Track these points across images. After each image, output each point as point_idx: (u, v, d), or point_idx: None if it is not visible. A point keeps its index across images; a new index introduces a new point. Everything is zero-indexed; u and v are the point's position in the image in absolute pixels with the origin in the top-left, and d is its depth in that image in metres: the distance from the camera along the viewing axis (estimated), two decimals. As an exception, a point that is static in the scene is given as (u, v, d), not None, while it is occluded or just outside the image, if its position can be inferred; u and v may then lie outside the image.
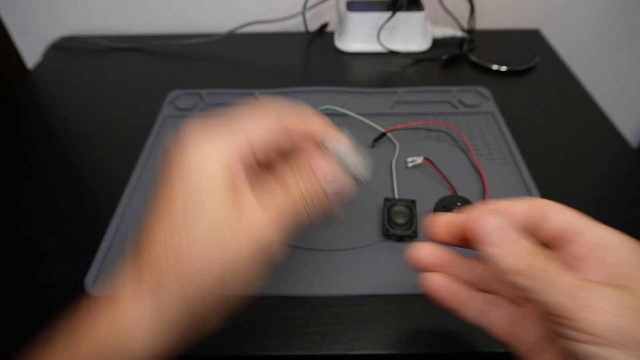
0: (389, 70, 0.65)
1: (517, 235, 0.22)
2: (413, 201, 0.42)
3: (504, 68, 0.64)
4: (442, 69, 0.66)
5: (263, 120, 0.25)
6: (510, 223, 0.22)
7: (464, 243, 0.25)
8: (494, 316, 0.26)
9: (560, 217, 0.23)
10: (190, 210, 0.22)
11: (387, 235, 0.40)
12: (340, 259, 0.40)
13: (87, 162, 0.52)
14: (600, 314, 0.19)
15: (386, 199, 0.42)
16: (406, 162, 0.48)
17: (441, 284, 0.26)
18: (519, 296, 0.25)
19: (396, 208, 0.41)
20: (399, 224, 0.41)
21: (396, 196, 0.44)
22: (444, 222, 0.26)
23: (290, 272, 0.39)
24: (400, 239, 0.40)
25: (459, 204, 0.41)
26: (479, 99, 0.57)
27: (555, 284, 0.20)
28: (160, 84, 0.62)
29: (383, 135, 0.51)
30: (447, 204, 0.41)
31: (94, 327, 0.23)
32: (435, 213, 0.40)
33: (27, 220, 0.45)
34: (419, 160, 0.47)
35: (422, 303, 0.37)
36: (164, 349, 0.23)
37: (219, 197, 0.23)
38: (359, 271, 0.39)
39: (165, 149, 0.25)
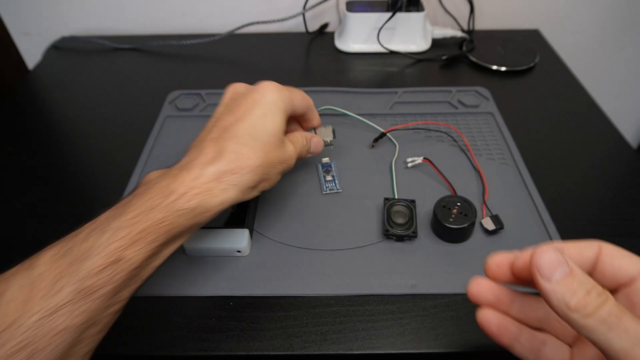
0: (389, 71, 0.65)
1: (571, 269, 0.21)
2: (413, 201, 0.42)
3: (503, 68, 0.64)
4: (441, 69, 0.66)
5: (301, 95, 0.40)
6: (567, 258, 0.22)
7: (520, 281, 0.26)
8: (547, 355, 0.26)
9: (617, 260, 0.23)
10: (259, 119, 0.35)
11: (387, 235, 0.40)
12: (340, 259, 0.40)
13: (87, 162, 0.52)
14: None
15: (386, 199, 0.42)
16: (406, 162, 0.48)
17: (495, 321, 0.26)
18: (574, 335, 0.26)
19: (396, 208, 0.42)
20: (399, 224, 0.41)
21: (396, 196, 0.44)
22: (499, 262, 0.26)
23: (290, 272, 0.39)
24: (400, 238, 0.40)
25: (458, 204, 0.41)
26: (478, 99, 0.57)
27: (617, 326, 0.19)
28: (160, 84, 0.62)
29: (383, 135, 0.51)
30: (446, 204, 0.41)
31: (176, 184, 0.30)
32: (437, 213, 0.40)
33: (27, 220, 0.45)
34: (419, 160, 0.47)
35: (422, 303, 0.37)
36: (228, 204, 0.32)
37: (277, 120, 0.36)
38: (359, 271, 0.39)
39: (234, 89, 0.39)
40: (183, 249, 0.40)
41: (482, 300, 0.27)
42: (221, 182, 0.31)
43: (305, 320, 0.36)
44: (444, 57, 0.66)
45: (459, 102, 0.57)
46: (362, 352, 0.34)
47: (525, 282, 0.25)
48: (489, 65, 0.65)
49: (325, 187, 0.46)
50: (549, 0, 0.75)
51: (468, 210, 0.40)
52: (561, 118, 0.56)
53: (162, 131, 0.54)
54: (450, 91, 0.59)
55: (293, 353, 0.34)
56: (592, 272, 0.24)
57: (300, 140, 0.40)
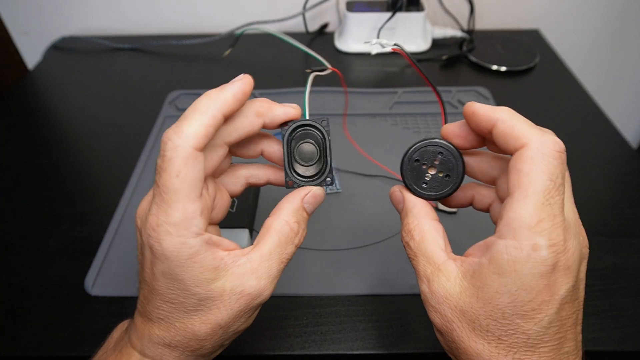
0: (389, 71, 0.65)
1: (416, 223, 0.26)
2: (324, 120, 0.28)
3: (503, 68, 0.64)
4: (442, 69, 0.66)
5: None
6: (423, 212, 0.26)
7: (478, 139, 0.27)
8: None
9: (508, 124, 0.24)
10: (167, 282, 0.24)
11: (292, 184, 0.28)
12: (340, 259, 0.40)
13: (87, 162, 0.52)
14: (439, 294, 0.24)
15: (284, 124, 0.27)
16: (369, 43, 0.34)
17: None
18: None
19: (303, 137, 0.28)
20: (306, 164, 0.28)
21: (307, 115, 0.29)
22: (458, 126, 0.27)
23: (290, 272, 0.39)
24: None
25: (440, 154, 0.27)
26: (478, 99, 0.57)
27: (421, 260, 0.25)
28: (160, 84, 0.62)
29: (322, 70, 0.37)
30: (422, 156, 0.27)
31: None
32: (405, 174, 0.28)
33: (27, 220, 0.45)
34: (389, 48, 0.31)
35: (422, 303, 0.37)
36: None
37: (194, 267, 0.23)
38: (358, 271, 0.39)
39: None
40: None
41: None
42: None
43: (305, 320, 0.36)
44: (444, 57, 0.66)
45: (459, 102, 0.57)
46: (362, 352, 0.34)
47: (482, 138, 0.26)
48: (489, 65, 0.65)
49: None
50: (549, 0, 0.75)
51: (452, 167, 0.27)
52: (561, 118, 0.56)
53: (162, 131, 0.54)
54: (451, 91, 0.59)
55: (293, 353, 0.34)
56: (489, 135, 0.24)
57: (279, 233, 0.26)
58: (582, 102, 0.59)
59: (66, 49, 0.72)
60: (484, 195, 0.27)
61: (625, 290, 0.38)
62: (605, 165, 0.49)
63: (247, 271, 0.24)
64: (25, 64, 0.80)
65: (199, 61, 0.68)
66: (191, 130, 0.22)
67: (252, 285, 0.24)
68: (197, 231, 0.23)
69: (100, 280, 0.39)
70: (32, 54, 0.78)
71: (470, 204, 0.28)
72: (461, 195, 0.28)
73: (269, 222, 0.26)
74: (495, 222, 0.26)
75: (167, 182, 0.22)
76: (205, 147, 0.23)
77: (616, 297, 0.37)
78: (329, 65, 0.33)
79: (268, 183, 0.29)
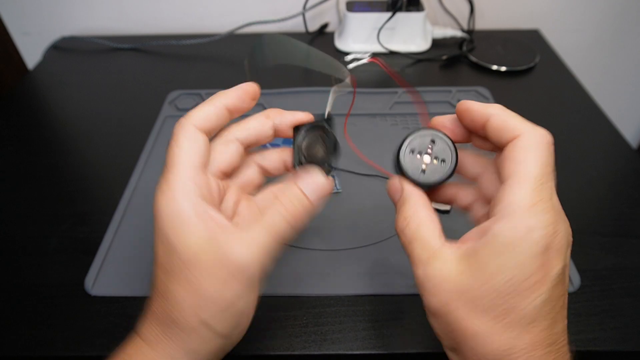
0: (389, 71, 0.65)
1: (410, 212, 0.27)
2: (328, 119, 0.31)
3: (503, 68, 0.64)
4: (441, 69, 0.66)
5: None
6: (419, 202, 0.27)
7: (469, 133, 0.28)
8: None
9: (502, 118, 0.25)
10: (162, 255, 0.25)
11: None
12: (340, 259, 0.40)
13: (87, 162, 0.52)
14: (436, 277, 0.24)
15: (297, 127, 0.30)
16: (348, 61, 0.40)
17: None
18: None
19: (310, 135, 0.31)
20: (315, 158, 0.30)
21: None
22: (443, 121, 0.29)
23: (290, 272, 0.39)
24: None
25: (432, 141, 0.29)
26: (478, 99, 0.57)
27: (417, 246, 0.26)
28: (160, 84, 0.62)
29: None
30: (415, 147, 0.29)
31: None
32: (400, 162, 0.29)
33: (27, 220, 0.45)
34: (365, 60, 0.37)
35: (422, 303, 0.37)
36: None
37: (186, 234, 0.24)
38: (359, 271, 0.39)
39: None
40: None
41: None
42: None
43: (305, 320, 0.36)
44: (444, 57, 0.66)
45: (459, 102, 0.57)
46: (362, 352, 0.34)
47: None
48: (489, 65, 0.65)
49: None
50: (549, 0, 0.75)
51: (445, 152, 0.28)
52: (561, 118, 0.56)
53: (162, 131, 0.54)
54: (450, 91, 0.58)
55: (293, 353, 0.34)
56: (482, 130, 0.26)
57: (274, 218, 0.26)
58: (582, 102, 0.59)
59: (66, 49, 0.72)
60: (465, 194, 0.28)
61: (625, 290, 0.38)
62: (605, 165, 0.49)
63: (234, 239, 0.25)
64: (25, 64, 0.80)
65: (199, 61, 0.68)
66: (195, 113, 0.27)
67: (237, 251, 0.24)
68: (189, 195, 0.25)
69: (100, 280, 0.39)
70: (32, 54, 0.78)
71: (453, 201, 0.29)
72: (445, 190, 0.29)
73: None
74: (475, 222, 0.27)
75: (170, 152, 0.26)
76: (210, 131, 0.27)
77: (616, 297, 0.37)
78: (348, 74, 0.35)
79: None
